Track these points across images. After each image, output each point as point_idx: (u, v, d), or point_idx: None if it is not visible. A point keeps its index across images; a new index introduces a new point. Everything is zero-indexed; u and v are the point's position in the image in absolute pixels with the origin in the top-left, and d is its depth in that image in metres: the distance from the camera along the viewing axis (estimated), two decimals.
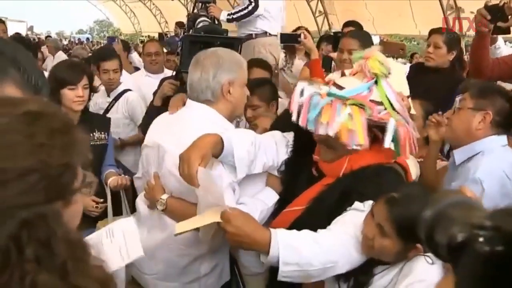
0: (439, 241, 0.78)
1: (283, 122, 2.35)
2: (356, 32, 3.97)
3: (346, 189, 1.85)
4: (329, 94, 1.81)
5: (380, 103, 1.84)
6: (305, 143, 2.03)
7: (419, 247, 1.64)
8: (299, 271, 1.62)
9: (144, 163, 2.39)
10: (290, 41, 4.12)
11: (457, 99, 3.48)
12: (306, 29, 5.57)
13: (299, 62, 4.56)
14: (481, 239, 0.69)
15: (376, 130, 1.82)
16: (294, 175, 2.07)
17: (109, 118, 3.73)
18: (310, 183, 1.99)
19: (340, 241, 1.68)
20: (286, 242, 1.62)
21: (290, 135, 2.15)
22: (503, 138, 2.29)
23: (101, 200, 2.96)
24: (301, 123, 1.81)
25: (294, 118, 1.84)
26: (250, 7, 4.46)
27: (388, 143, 1.77)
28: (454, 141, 2.38)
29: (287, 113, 2.40)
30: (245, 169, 1.99)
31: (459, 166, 2.30)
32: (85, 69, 3.25)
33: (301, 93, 1.84)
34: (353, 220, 1.73)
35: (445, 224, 0.78)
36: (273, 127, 2.44)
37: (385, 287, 1.70)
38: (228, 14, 4.41)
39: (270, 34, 4.68)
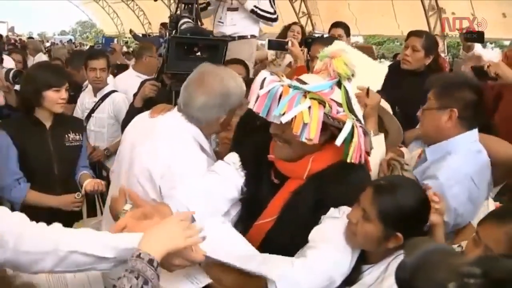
0: None
1: (243, 124, 2.36)
2: (326, 39, 4.01)
3: (318, 195, 1.85)
4: (291, 87, 1.80)
5: (340, 104, 1.85)
6: (260, 148, 2.02)
7: (399, 236, 1.68)
8: None
9: (119, 157, 2.37)
10: (278, 48, 4.25)
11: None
12: (301, 26, 5.69)
13: (289, 57, 4.67)
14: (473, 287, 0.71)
15: (334, 128, 1.82)
16: (255, 187, 2.02)
17: (82, 120, 3.74)
18: (274, 192, 1.97)
19: (331, 259, 1.70)
20: (281, 276, 1.64)
21: (231, 157, 2.09)
22: (473, 134, 2.24)
23: (77, 193, 3.00)
24: (256, 109, 1.80)
25: (251, 105, 1.84)
26: (273, 17, 4.73)
27: (340, 142, 1.76)
28: (426, 140, 2.36)
29: (245, 116, 2.37)
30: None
31: (431, 164, 2.27)
32: (66, 73, 3.33)
33: (262, 82, 1.83)
34: (334, 232, 1.75)
35: (427, 273, 0.80)
36: (238, 125, 2.44)
37: (371, 284, 1.74)
38: (255, 6, 4.59)
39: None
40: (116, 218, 2.13)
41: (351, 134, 1.77)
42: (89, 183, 3.05)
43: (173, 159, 2.09)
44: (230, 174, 2.02)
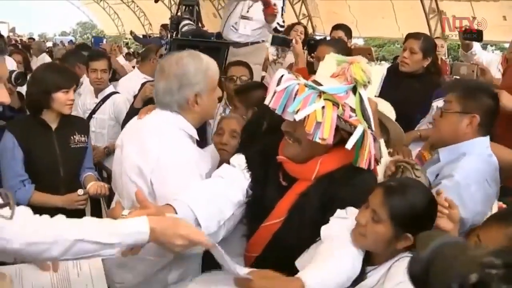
0: (437, 282, 0.79)
1: (249, 129, 2.37)
2: (332, 40, 4.05)
3: (325, 196, 1.86)
4: (307, 86, 1.82)
5: (353, 110, 1.86)
6: (269, 150, 2.03)
7: (409, 237, 1.69)
8: None
9: (114, 161, 2.39)
10: (281, 43, 4.32)
11: (435, 102, 3.55)
12: (304, 26, 5.72)
13: (290, 56, 4.68)
14: (496, 278, 0.71)
15: (344, 132, 1.83)
16: (262, 189, 2.03)
17: (88, 121, 3.75)
18: (281, 194, 1.98)
19: (349, 262, 1.70)
20: (317, 283, 1.61)
21: (237, 159, 2.10)
22: (487, 139, 2.28)
23: (79, 190, 3.03)
24: (272, 105, 1.82)
25: (267, 101, 1.85)
26: (282, 29, 4.87)
27: (350, 145, 1.78)
28: (440, 142, 2.38)
29: (251, 122, 2.39)
30: (215, 223, 1.93)
31: (446, 165, 2.30)
32: (74, 74, 3.34)
33: (280, 80, 1.84)
34: (344, 233, 1.76)
35: (445, 266, 0.79)
36: (244, 128, 2.46)
37: (373, 286, 1.74)
38: (277, 23, 4.72)
39: None
40: None
41: (361, 139, 1.79)
42: (92, 186, 3.06)
43: (161, 152, 2.09)
44: (235, 177, 2.03)
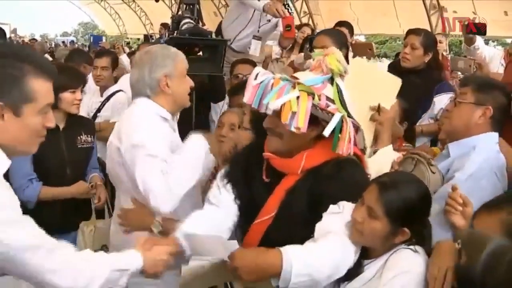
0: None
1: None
2: (330, 30, 4.04)
3: (313, 191, 1.87)
4: (282, 79, 1.85)
5: (331, 100, 1.87)
6: (253, 149, 2.07)
7: (406, 231, 1.71)
8: (310, 281, 1.67)
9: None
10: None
11: (437, 97, 3.54)
12: (312, 28, 5.72)
13: (293, 56, 4.67)
14: None
15: (325, 123, 1.83)
16: (247, 188, 2.05)
17: (94, 121, 3.77)
18: (267, 190, 1.99)
19: (339, 249, 1.73)
20: (297, 255, 1.66)
21: (219, 174, 2.17)
22: (496, 135, 2.32)
23: (91, 183, 3.12)
24: (248, 101, 1.85)
25: (245, 98, 1.88)
26: None
27: (328, 132, 1.79)
28: (452, 133, 2.39)
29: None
30: None
31: (456, 159, 2.32)
32: (81, 73, 3.40)
33: (256, 77, 1.87)
34: (338, 226, 1.77)
35: (505, 274, 0.82)
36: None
37: (370, 278, 1.76)
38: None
39: None
40: (147, 229, 2.27)
41: (340, 126, 1.79)
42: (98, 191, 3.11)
43: (133, 128, 2.26)
44: (226, 203, 2.06)
